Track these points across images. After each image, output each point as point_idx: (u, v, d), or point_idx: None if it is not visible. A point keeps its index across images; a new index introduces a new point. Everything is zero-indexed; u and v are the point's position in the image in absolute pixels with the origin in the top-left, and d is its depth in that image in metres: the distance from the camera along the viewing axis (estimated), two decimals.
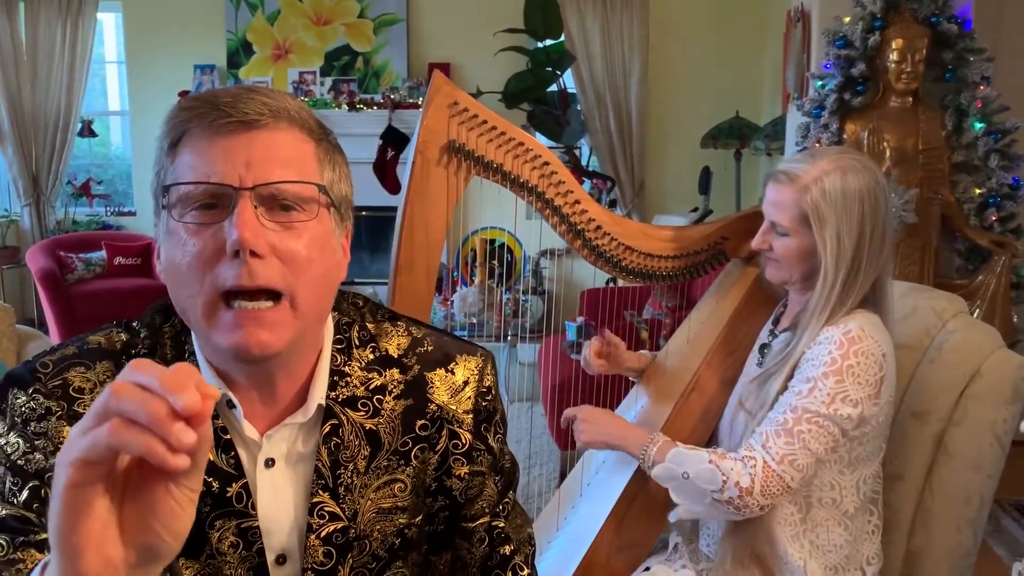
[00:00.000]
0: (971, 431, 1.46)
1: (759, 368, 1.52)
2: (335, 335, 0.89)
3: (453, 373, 0.94)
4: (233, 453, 0.84)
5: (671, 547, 1.63)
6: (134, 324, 0.88)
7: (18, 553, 0.76)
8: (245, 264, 0.74)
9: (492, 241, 5.36)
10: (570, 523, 1.71)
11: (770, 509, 1.40)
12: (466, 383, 0.94)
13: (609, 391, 1.99)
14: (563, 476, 2.00)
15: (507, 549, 0.98)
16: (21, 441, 0.80)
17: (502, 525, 0.98)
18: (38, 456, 0.80)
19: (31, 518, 0.78)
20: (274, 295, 0.77)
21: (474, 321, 4.53)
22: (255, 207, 0.75)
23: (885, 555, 1.49)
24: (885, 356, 1.37)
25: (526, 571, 0.98)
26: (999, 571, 2.63)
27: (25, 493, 0.79)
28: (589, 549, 1.58)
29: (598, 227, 1.68)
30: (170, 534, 0.55)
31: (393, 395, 0.90)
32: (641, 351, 1.86)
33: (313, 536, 0.85)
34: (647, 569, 1.58)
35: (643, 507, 1.57)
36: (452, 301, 4.68)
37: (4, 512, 0.78)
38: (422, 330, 0.96)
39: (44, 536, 0.77)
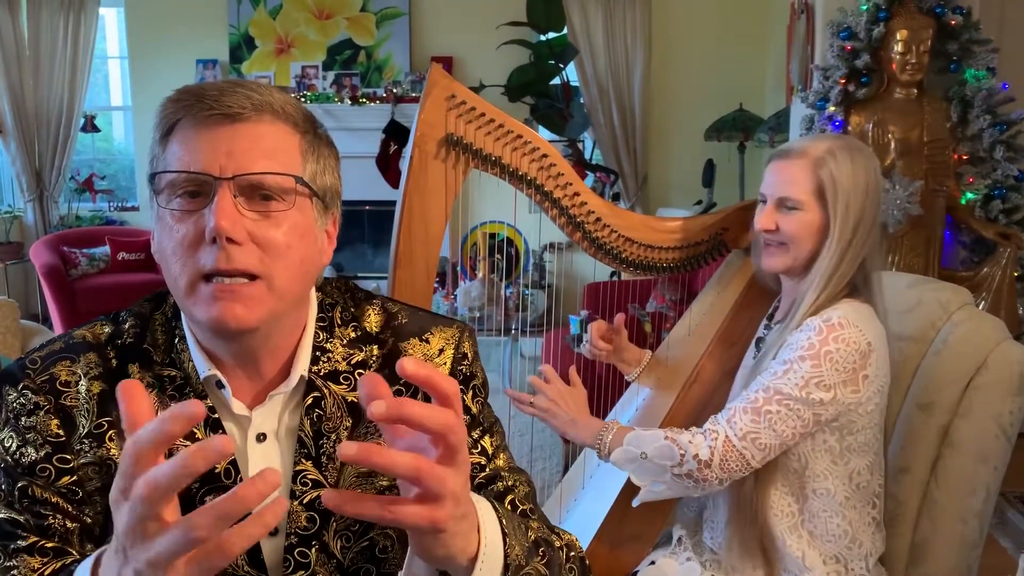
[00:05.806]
0: (977, 423, 1.45)
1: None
2: (318, 313, 0.93)
3: (428, 342, 0.96)
4: (221, 431, 0.87)
5: (675, 540, 1.62)
6: (121, 315, 0.92)
7: (12, 560, 0.80)
8: (223, 250, 0.78)
9: (494, 235, 5.35)
10: (573, 516, 1.70)
11: (765, 499, 1.41)
12: (442, 350, 0.96)
13: (611, 385, 1.98)
14: (566, 469, 2.00)
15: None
16: (15, 435, 0.84)
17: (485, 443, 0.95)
18: (29, 450, 0.84)
19: (21, 520, 0.82)
20: (251, 277, 0.81)
21: (477, 315, 4.53)
22: (234, 196, 0.79)
23: (891, 547, 1.49)
24: (871, 345, 1.35)
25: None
26: (1005, 563, 2.62)
27: (16, 493, 0.83)
28: (592, 542, 1.57)
29: (598, 219, 1.67)
30: None
31: (373, 369, 0.93)
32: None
33: (296, 503, 0.88)
34: (652, 563, 1.57)
35: None
36: (456, 295, 4.68)
37: (1, 515, 0.82)
38: (397, 305, 0.99)
39: (33, 540, 0.81)
